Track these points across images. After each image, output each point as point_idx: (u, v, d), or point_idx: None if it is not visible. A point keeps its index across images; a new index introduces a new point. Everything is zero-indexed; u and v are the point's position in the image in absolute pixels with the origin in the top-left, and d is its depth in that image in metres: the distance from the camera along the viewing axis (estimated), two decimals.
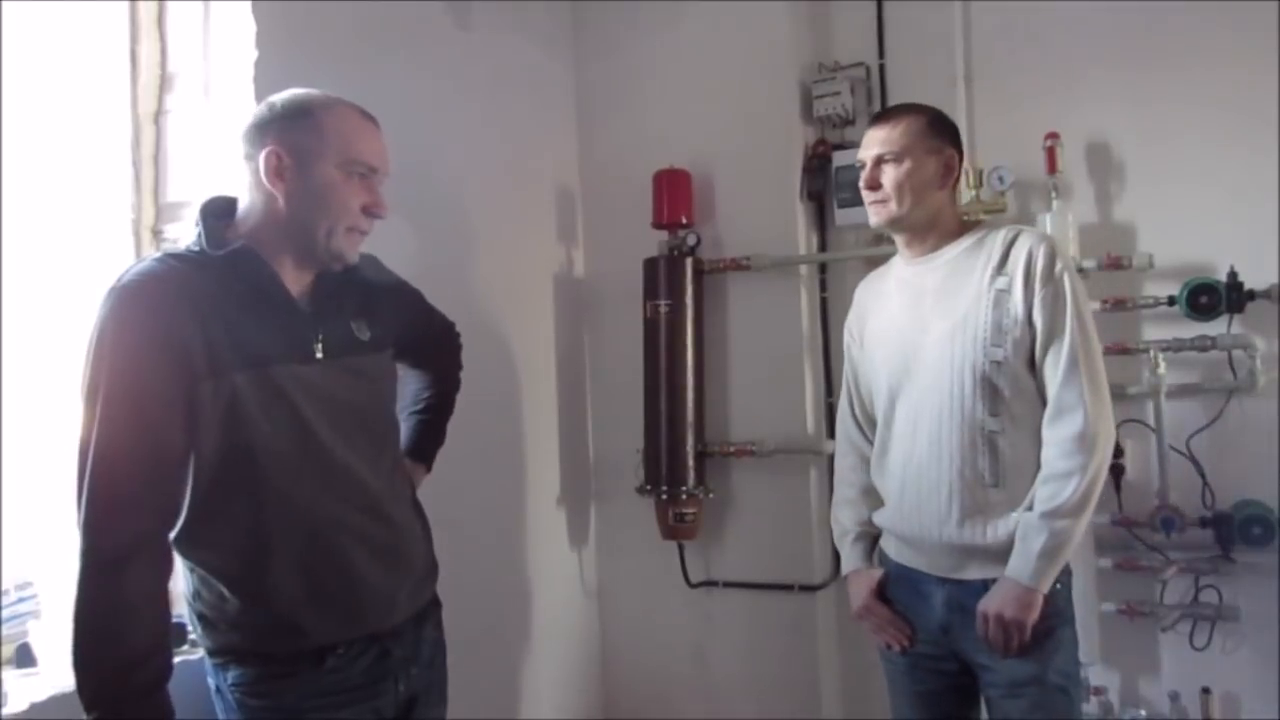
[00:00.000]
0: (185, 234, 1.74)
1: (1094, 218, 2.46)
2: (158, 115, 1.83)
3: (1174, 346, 2.33)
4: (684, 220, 2.63)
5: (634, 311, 2.68)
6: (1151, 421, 2.34)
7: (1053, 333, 1.57)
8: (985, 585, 1.60)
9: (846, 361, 1.90)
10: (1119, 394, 2.21)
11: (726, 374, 2.71)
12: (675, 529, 2.63)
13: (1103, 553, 2.37)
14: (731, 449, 2.64)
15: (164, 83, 1.83)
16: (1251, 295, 2.25)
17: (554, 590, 2.69)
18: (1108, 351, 2.07)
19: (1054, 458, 1.56)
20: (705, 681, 2.74)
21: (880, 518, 1.78)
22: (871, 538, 1.83)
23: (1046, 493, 1.55)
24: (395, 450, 1.53)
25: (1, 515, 1.52)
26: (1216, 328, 2.29)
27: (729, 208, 2.70)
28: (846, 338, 1.91)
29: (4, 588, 1.55)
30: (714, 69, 2.70)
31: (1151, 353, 2.32)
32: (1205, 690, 2.32)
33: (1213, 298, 2.26)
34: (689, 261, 2.64)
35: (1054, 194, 2.38)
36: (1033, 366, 1.60)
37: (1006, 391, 1.59)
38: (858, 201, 2.55)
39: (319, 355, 1.36)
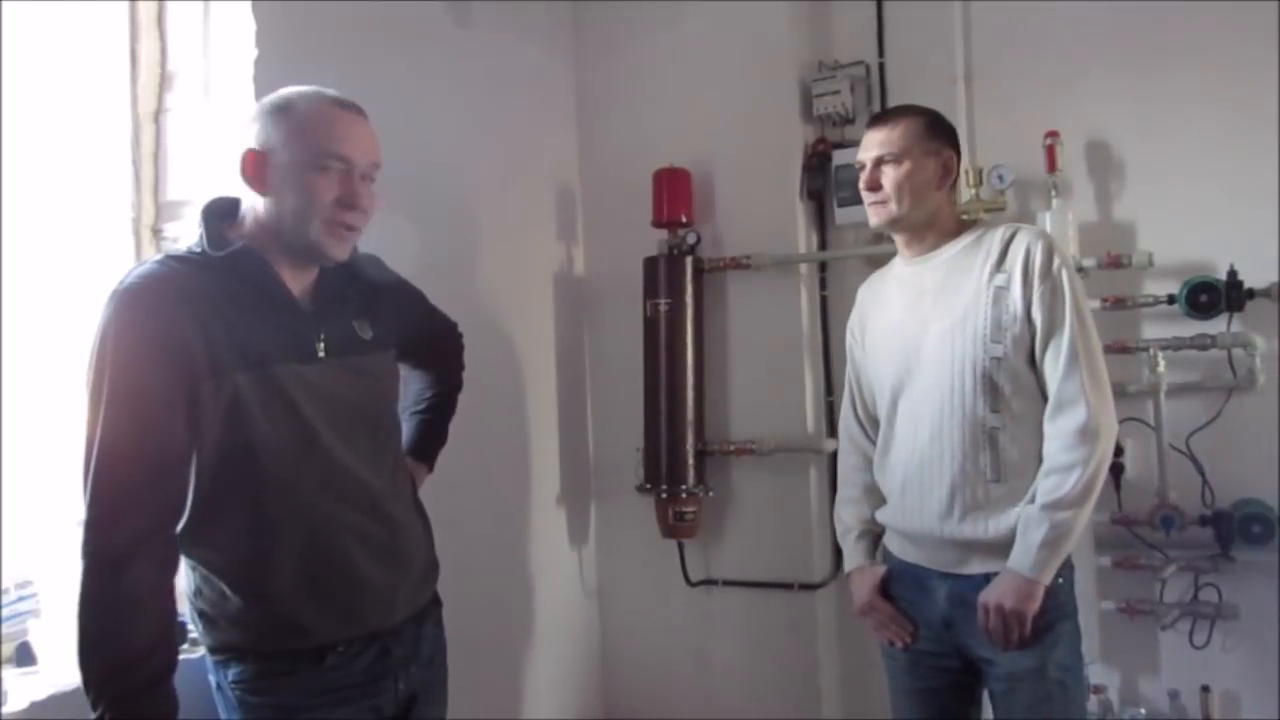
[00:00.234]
0: (185, 233, 1.77)
1: (1094, 216, 2.46)
2: (157, 114, 1.83)
3: (1174, 345, 2.33)
4: (684, 219, 2.63)
5: (634, 310, 2.68)
6: (1151, 420, 2.35)
7: (1052, 328, 1.58)
8: (987, 579, 1.61)
9: (849, 362, 1.91)
10: (1119, 392, 2.19)
11: (726, 373, 2.71)
12: (675, 528, 2.63)
13: (1102, 551, 2.38)
14: (731, 448, 2.64)
15: (164, 81, 1.83)
16: (1251, 294, 2.25)
17: (554, 589, 2.69)
18: (1108, 350, 2.07)
19: (1056, 450, 1.57)
20: (705, 680, 2.75)
21: (883, 515, 1.79)
22: (874, 536, 1.84)
23: (1048, 485, 1.56)
24: (397, 449, 1.53)
25: (1, 514, 1.52)
26: (1216, 326, 2.29)
27: (729, 206, 2.70)
28: (849, 339, 1.91)
29: (4, 586, 1.55)
30: (714, 68, 2.70)
31: (1151, 351, 2.32)
32: (1205, 688, 2.32)
33: (1212, 296, 2.26)
34: (689, 260, 2.64)
35: (1054, 193, 2.38)
36: (1032, 363, 1.61)
37: (1006, 388, 1.60)
38: (857, 200, 2.55)
39: (320, 354, 1.36)
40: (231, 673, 1.32)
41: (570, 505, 2.79)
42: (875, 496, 1.82)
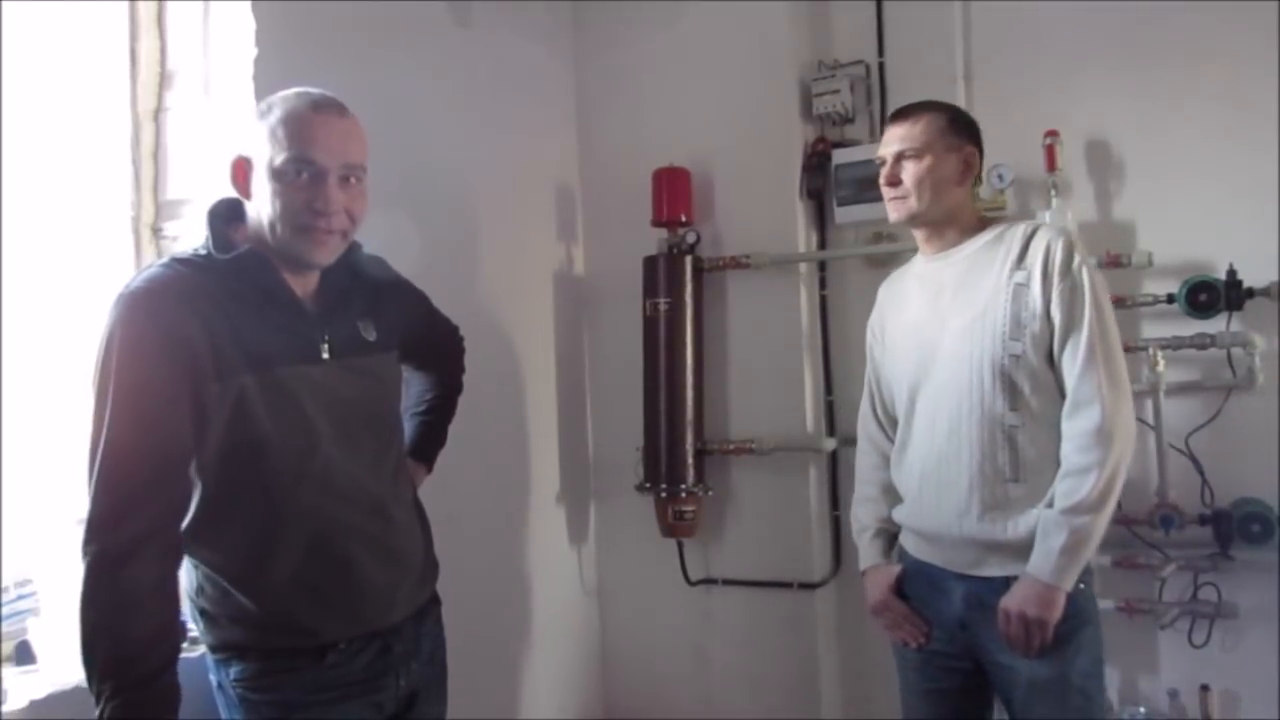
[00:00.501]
0: (185, 231, 1.77)
1: (1093, 215, 2.46)
2: (157, 113, 1.83)
3: (1173, 344, 2.33)
4: (683, 218, 2.63)
5: (633, 309, 2.68)
6: (1151, 419, 2.34)
7: (1070, 326, 1.56)
8: (1005, 581, 1.59)
9: (869, 361, 1.90)
10: None
11: (726, 372, 2.71)
12: (675, 527, 2.63)
13: (1102, 550, 2.35)
14: (731, 447, 2.64)
15: (164, 80, 1.83)
16: (1250, 293, 2.25)
17: (553, 588, 2.69)
18: None
19: (1071, 452, 1.55)
20: (704, 679, 2.75)
21: (899, 513, 1.77)
22: (890, 535, 1.82)
23: (1065, 488, 1.54)
24: (399, 450, 1.53)
25: (1, 514, 1.52)
26: (1215, 325, 2.29)
27: (728, 206, 2.70)
28: (869, 337, 1.90)
29: (4, 585, 1.56)
30: (714, 67, 2.70)
31: (1150, 350, 2.32)
32: (1204, 688, 2.32)
33: (1212, 295, 2.26)
34: (688, 259, 2.64)
35: (1053, 192, 2.38)
36: (1052, 361, 1.59)
37: (1025, 386, 1.58)
38: (857, 200, 2.59)
39: (325, 355, 1.37)
40: (233, 671, 1.33)
41: (570, 504, 2.79)
42: (893, 496, 1.80)
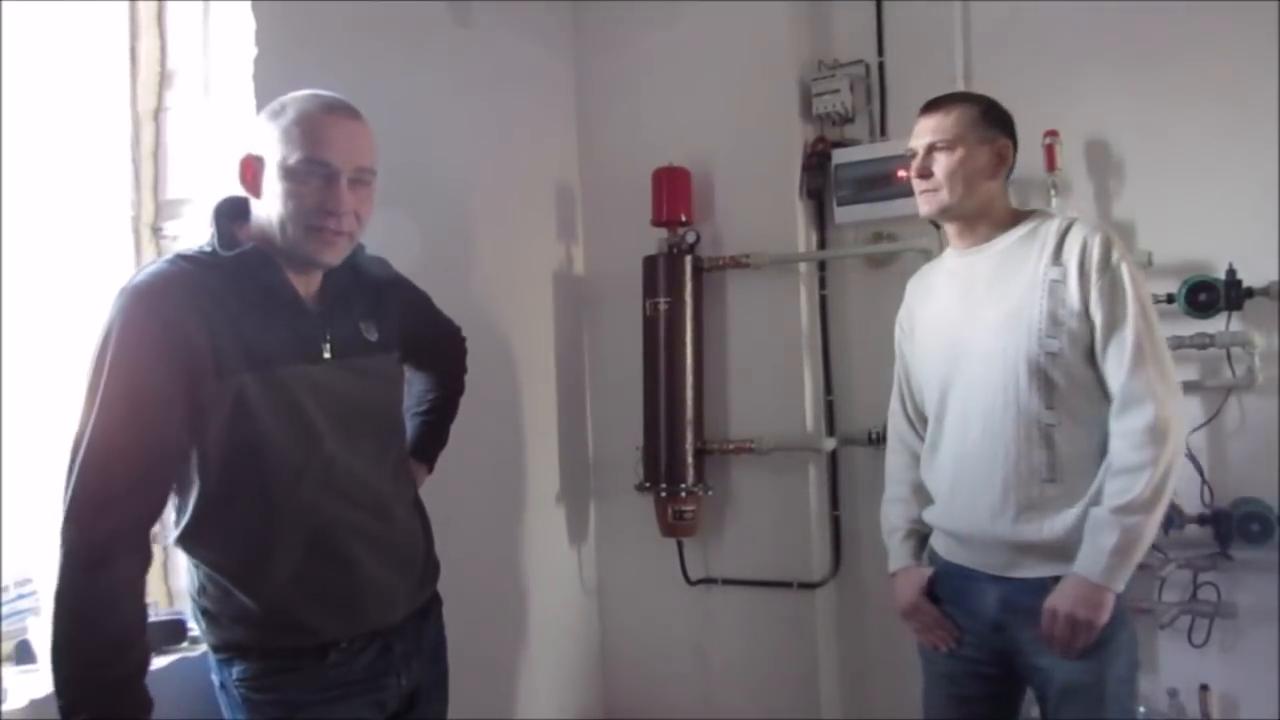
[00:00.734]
0: (185, 231, 1.77)
1: (1093, 215, 2.46)
2: (157, 112, 1.83)
3: (1172, 344, 2.31)
4: (683, 218, 2.63)
5: (633, 309, 2.68)
6: None
7: (1113, 324, 1.52)
8: (1040, 583, 1.55)
9: (898, 357, 1.87)
10: None
11: (726, 371, 2.71)
12: (674, 526, 2.63)
13: None
14: (731, 446, 2.65)
15: (164, 80, 1.83)
16: (1250, 292, 2.25)
17: (553, 587, 2.69)
18: None
19: (1123, 450, 1.50)
20: (704, 678, 2.75)
21: (930, 514, 1.73)
22: (921, 536, 1.79)
23: (1117, 487, 1.49)
24: (400, 450, 1.54)
25: (1, 512, 1.52)
26: (1215, 325, 2.29)
27: (728, 205, 2.70)
28: (897, 332, 1.87)
29: (4, 584, 1.55)
30: (714, 66, 2.70)
31: None
32: (1204, 687, 2.32)
33: (1211, 295, 2.26)
34: (688, 259, 2.64)
35: (1053, 191, 2.38)
36: (1090, 359, 1.55)
37: (1062, 384, 1.55)
38: (857, 199, 2.59)
39: (326, 355, 1.37)
40: (235, 670, 1.33)
41: (570, 504, 2.79)
42: (924, 496, 1.76)
